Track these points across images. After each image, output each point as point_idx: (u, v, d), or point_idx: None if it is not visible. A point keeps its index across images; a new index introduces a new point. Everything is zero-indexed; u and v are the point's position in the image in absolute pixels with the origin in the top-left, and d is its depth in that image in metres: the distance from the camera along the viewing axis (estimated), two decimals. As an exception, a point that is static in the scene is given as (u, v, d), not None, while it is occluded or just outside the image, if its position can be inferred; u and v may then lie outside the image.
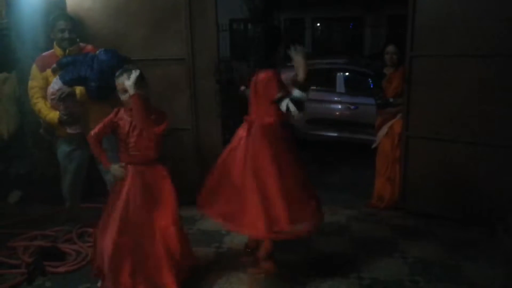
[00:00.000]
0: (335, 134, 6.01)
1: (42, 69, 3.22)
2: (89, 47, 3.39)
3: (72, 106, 3.14)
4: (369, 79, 5.81)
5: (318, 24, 14.45)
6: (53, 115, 3.15)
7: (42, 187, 3.80)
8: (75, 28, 3.32)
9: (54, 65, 3.17)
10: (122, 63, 3.03)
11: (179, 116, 3.86)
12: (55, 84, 3.13)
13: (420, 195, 3.81)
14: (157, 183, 2.63)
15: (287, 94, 2.62)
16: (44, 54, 3.32)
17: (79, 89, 3.15)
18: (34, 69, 3.24)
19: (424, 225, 3.66)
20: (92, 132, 2.59)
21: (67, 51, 3.24)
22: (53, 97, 3.14)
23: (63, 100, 3.11)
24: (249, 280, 2.83)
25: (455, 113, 3.54)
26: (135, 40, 3.94)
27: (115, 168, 2.59)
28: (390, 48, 3.92)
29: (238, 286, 2.76)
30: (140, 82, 2.48)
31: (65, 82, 3.11)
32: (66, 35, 3.23)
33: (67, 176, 3.40)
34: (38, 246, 3.20)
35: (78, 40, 3.36)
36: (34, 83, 3.22)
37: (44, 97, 3.20)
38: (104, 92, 3.10)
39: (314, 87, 5.68)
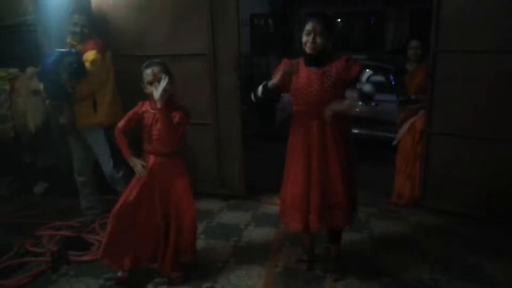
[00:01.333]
0: (355, 131, 5.94)
1: None
2: (90, 43, 3.37)
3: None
4: (390, 75, 5.73)
5: (339, 20, 14.26)
6: None
7: (67, 179, 3.90)
8: (89, 24, 3.37)
9: None
10: (52, 64, 3.13)
11: (200, 111, 3.90)
12: None
13: (441, 192, 3.75)
14: (174, 176, 2.66)
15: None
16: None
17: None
18: None
19: (445, 223, 3.61)
20: (119, 125, 2.65)
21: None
22: None
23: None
24: (267, 274, 2.86)
25: (480, 110, 3.47)
26: (157, 36, 3.99)
27: (136, 163, 2.63)
28: (414, 43, 3.86)
29: (257, 279, 2.78)
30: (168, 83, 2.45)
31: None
32: (77, 29, 3.31)
33: (73, 164, 3.59)
34: (63, 236, 3.30)
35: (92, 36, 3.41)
36: None
37: None
38: (52, 92, 3.28)
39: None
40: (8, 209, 3.98)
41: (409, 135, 3.95)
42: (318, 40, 2.45)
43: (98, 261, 2.95)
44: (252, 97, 2.61)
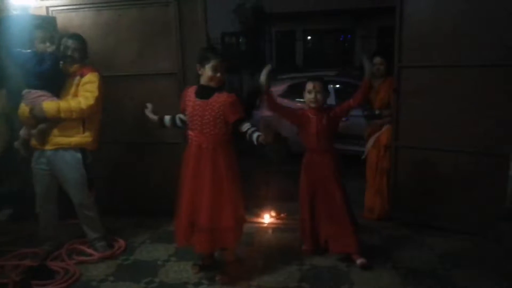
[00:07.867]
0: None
1: None
2: (86, 67, 3.34)
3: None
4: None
5: (309, 37, 14.58)
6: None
7: (33, 204, 3.77)
8: (81, 49, 3.32)
9: None
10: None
11: (170, 130, 3.86)
12: None
13: (410, 205, 3.83)
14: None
15: None
16: None
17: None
18: None
19: (414, 235, 3.67)
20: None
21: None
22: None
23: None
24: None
25: (443, 123, 3.58)
26: (126, 56, 3.97)
27: None
28: (377, 60, 3.96)
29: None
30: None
31: None
32: (69, 52, 3.25)
33: (36, 191, 3.39)
34: (27, 265, 3.16)
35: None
36: None
37: None
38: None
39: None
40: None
41: (374, 150, 4.02)
42: (224, 76, 2.79)
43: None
44: None
